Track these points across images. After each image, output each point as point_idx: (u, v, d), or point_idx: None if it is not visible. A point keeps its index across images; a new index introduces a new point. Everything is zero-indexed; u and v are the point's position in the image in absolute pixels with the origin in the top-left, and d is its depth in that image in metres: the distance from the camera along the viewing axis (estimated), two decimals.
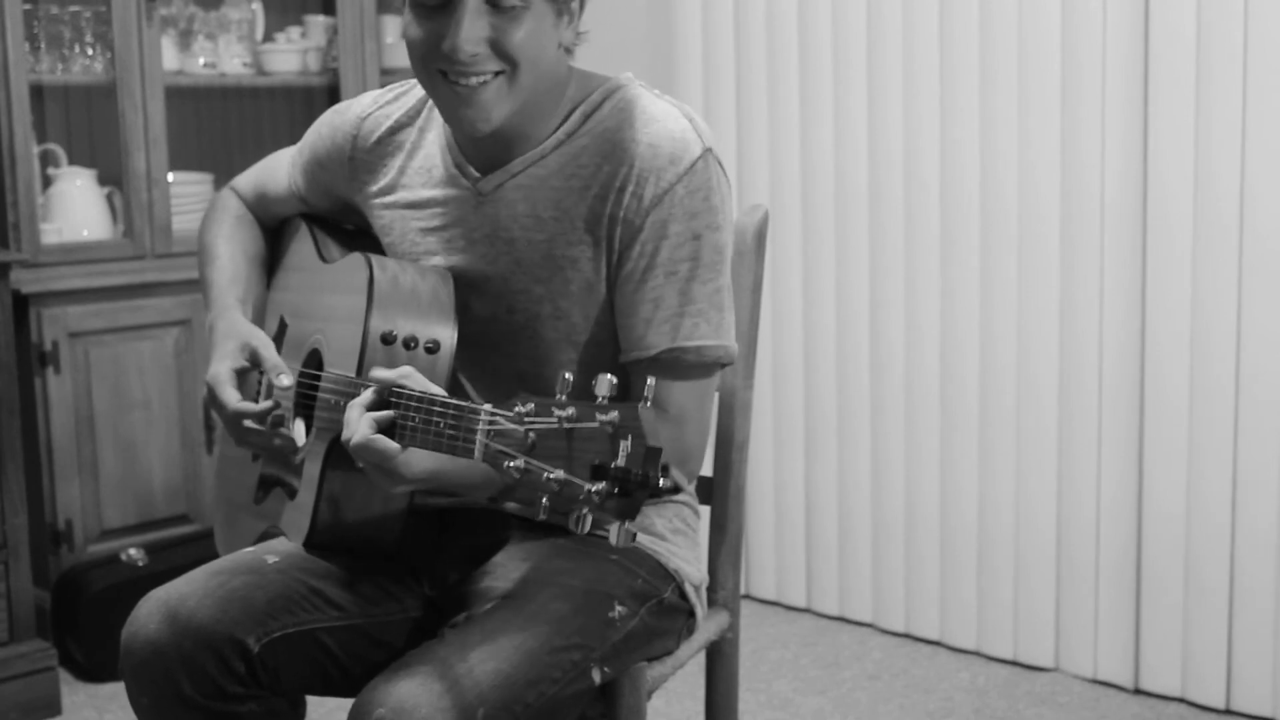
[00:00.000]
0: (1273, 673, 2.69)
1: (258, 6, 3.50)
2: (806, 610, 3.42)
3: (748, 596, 3.50)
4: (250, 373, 1.69)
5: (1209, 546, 2.73)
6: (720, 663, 1.88)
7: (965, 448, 3.07)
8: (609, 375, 1.23)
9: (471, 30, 1.50)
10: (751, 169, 3.36)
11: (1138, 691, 2.88)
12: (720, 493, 1.87)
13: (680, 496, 1.76)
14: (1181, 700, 2.82)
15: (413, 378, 1.42)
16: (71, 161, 3.28)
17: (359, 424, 1.41)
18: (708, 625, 1.82)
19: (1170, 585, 2.80)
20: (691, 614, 1.76)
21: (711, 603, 1.86)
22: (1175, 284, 2.72)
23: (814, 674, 3.03)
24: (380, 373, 1.44)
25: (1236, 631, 2.73)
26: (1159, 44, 2.69)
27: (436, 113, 1.71)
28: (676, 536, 1.75)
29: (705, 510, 1.86)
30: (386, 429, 1.41)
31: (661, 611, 1.68)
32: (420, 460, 1.43)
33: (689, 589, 1.73)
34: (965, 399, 3.06)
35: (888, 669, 3.05)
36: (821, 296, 3.28)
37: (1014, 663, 3.06)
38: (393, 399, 1.42)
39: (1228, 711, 2.76)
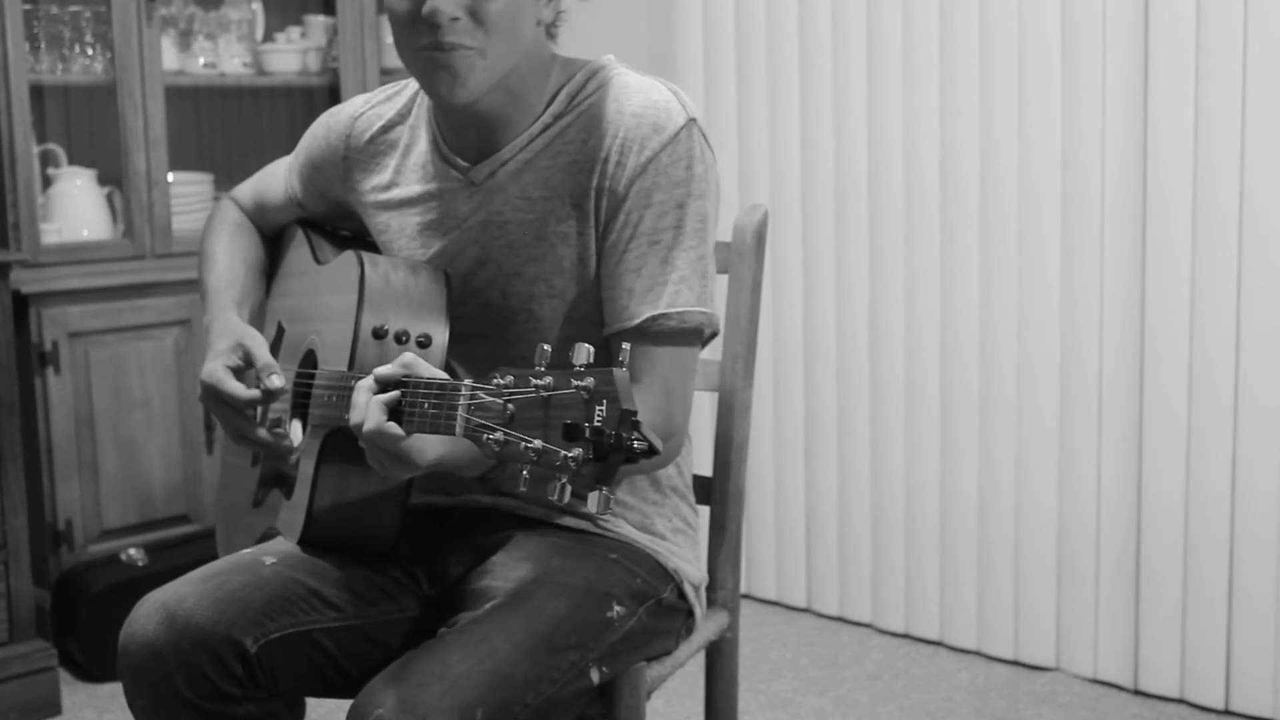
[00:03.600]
0: (1272, 673, 2.69)
1: (258, 6, 3.50)
2: (806, 610, 3.42)
3: (748, 596, 3.50)
4: (246, 372, 1.69)
5: (1208, 547, 2.73)
6: (720, 663, 1.88)
7: (965, 448, 3.07)
8: (586, 344, 1.24)
9: None
10: (751, 169, 3.36)
11: (1138, 692, 2.88)
12: (720, 493, 1.87)
13: (673, 480, 1.76)
14: (1181, 701, 2.82)
15: (416, 365, 1.41)
16: (71, 161, 3.28)
17: (369, 409, 1.40)
18: (707, 625, 1.82)
19: (1170, 585, 2.80)
20: (691, 614, 1.76)
21: (711, 603, 1.86)
22: (1175, 285, 2.72)
23: (814, 674, 3.03)
24: (385, 369, 1.42)
25: (1236, 632, 2.72)
26: (1159, 41, 2.69)
27: (426, 109, 1.72)
28: (676, 536, 1.75)
29: (705, 510, 1.86)
30: (394, 414, 1.41)
31: (660, 611, 1.68)
32: (431, 446, 1.43)
33: (688, 589, 1.73)
34: (965, 399, 3.06)
35: (888, 669, 3.05)
36: (821, 296, 3.28)
37: (1014, 663, 3.06)
38: (399, 386, 1.42)
39: (1227, 712, 2.76)
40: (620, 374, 1.21)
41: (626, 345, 1.28)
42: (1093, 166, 2.81)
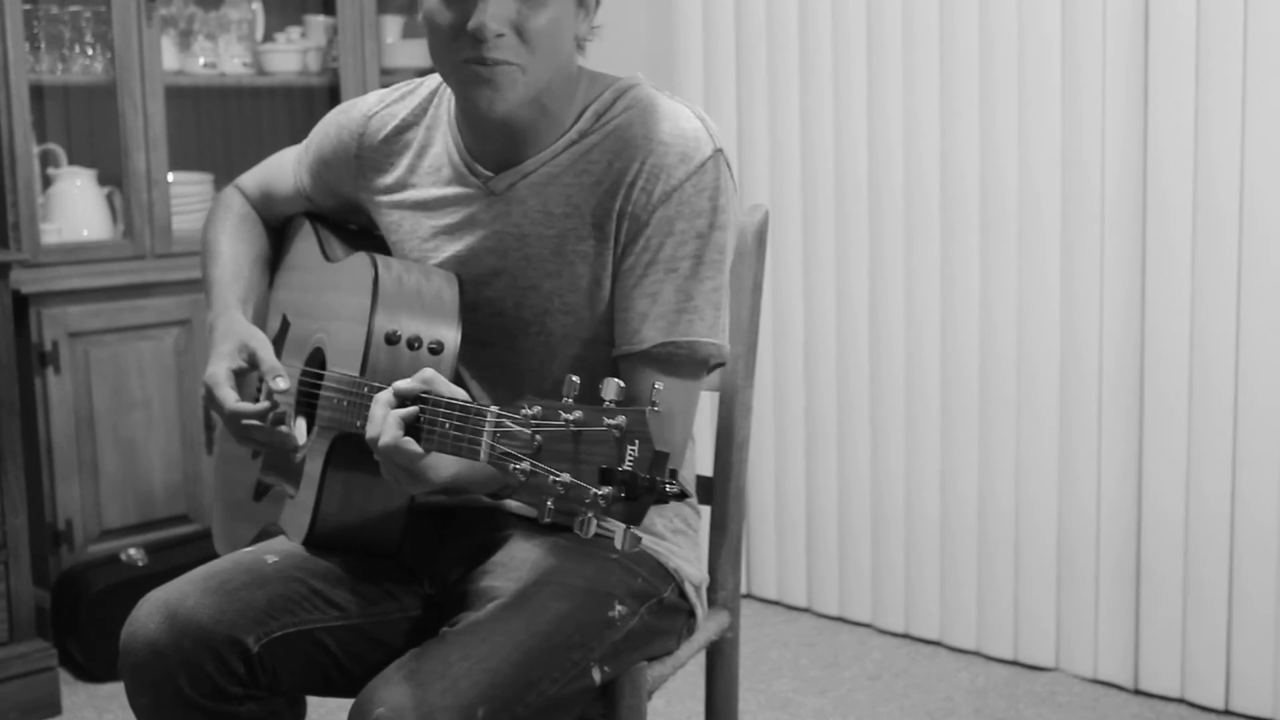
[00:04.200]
0: (1272, 673, 2.70)
1: (258, 6, 3.50)
2: (806, 610, 3.42)
3: (748, 596, 3.50)
4: (250, 373, 1.69)
5: (1209, 546, 2.73)
6: (720, 663, 1.88)
7: (965, 448, 3.07)
8: (616, 380, 1.24)
9: (499, 9, 1.51)
10: (751, 169, 3.36)
11: (1138, 692, 2.88)
12: (720, 493, 1.87)
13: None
14: (1181, 700, 2.83)
15: (436, 382, 1.41)
16: (71, 161, 3.27)
17: (386, 423, 1.39)
18: (708, 625, 1.82)
19: (1170, 585, 2.80)
20: (692, 614, 1.76)
21: (712, 602, 1.86)
22: (1175, 285, 2.72)
23: (814, 674, 3.03)
24: (404, 384, 1.42)
25: (1236, 631, 2.73)
26: (1159, 41, 2.69)
27: (444, 111, 1.71)
28: (677, 536, 1.75)
29: (705, 510, 1.86)
30: (410, 430, 1.40)
31: (661, 611, 1.68)
32: (446, 465, 1.43)
33: (689, 589, 1.74)
34: (965, 399, 3.06)
35: (888, 669, 3.05)
36: (821, 296, 3.28)
37: (1014, 663, 3.06)
38: (418, 402, 1.41)
39: (1227, 712, 2.76)
40: (653, 417, 1.21)
41: (659, 385, 1.28)
42: (1093, 166, 2.81)
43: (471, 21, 1.51)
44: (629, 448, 1.20)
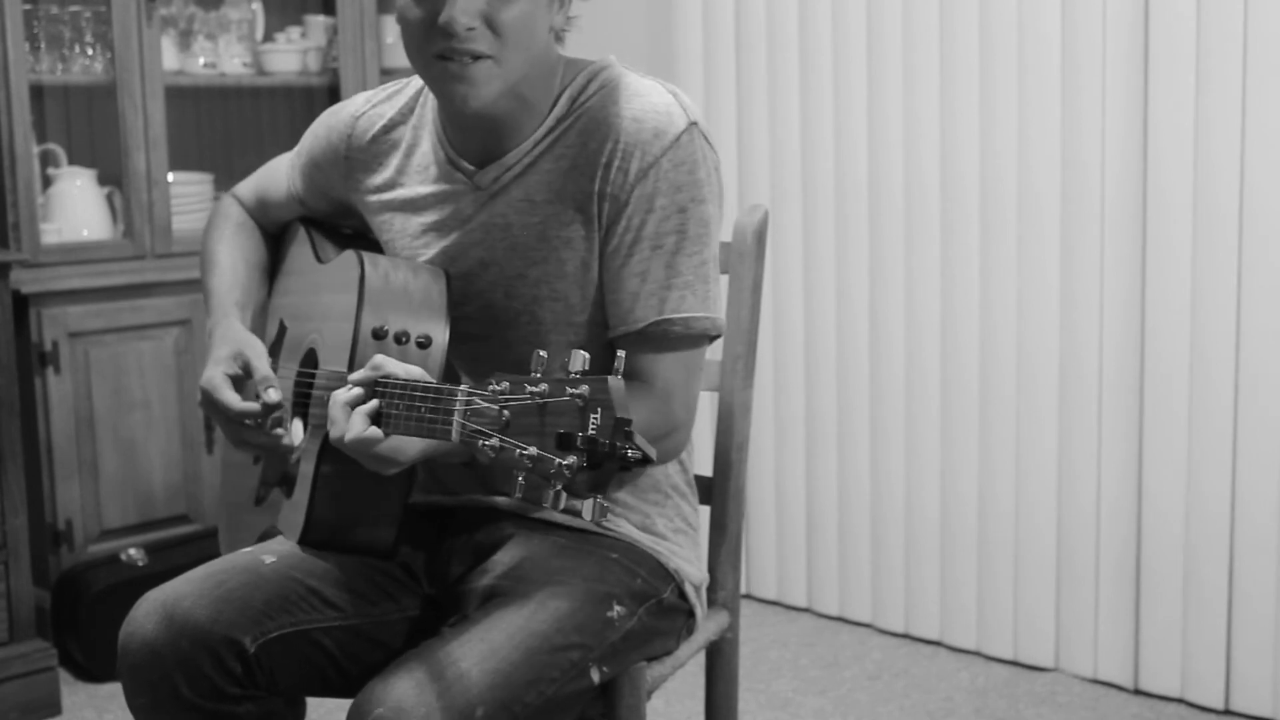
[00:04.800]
0: (1272, 673, 2.70)
1: (258, 6, 3.50)
2: (806, 610, 3.42)
3: (748, 596, 3.50)
4: (247, 381, 1.69)
5: (1209, 546, 2.73)
6: (720, 663, 1.88)
7: (965, 447, 3.07)
8: (582, 351, 1.25)
9: (468, 3, 1.51)
10: (751, 169, 3.36)
11: (1138, 691, 2.88)
12: (720, 493, 1.87)
13: (675, 480, 1.76)
14: (1181, 701, 2.82)
15: (386, 365, 1.43)
16: (71, 161, 3.28)
17: (347, 421, 1.42)
18: (707, 625, 1.82)
19: (1170, 585, 2.80)
20: (691, 614, 1.76)
21: (711, 603, 1.86)
22: (1175, 285, 2.72)
23: (814, 674, 3.03)
24: (356, 375, 1.45)
25: (1236, 632, 2.73)
26: (1159, 41, 2.69)
27: (430, 110, 1.72)
28: (677, 536, 1.75)
29: (705, 510, 1.86)
30: (374, 419, 1.42)
31: (661, 611, 1.68)
32: (412, 443, 1.45)
33: (689, 589, 1.74)
34: (965, 399, 3.06)
35: (888, 669, 3.05)
36: (821, 296, 3.28)
37: (1014, 663, 3.06)
38: (377, 389, 1.43)
39: (1227, 712, 2.76)
40: (615, 382, 1.22)
41: (622, 353, 1.28)
42: (1093, 166, 2.81)
43: (442, 16, 1.52)
44: (591, 416, 1.20)
